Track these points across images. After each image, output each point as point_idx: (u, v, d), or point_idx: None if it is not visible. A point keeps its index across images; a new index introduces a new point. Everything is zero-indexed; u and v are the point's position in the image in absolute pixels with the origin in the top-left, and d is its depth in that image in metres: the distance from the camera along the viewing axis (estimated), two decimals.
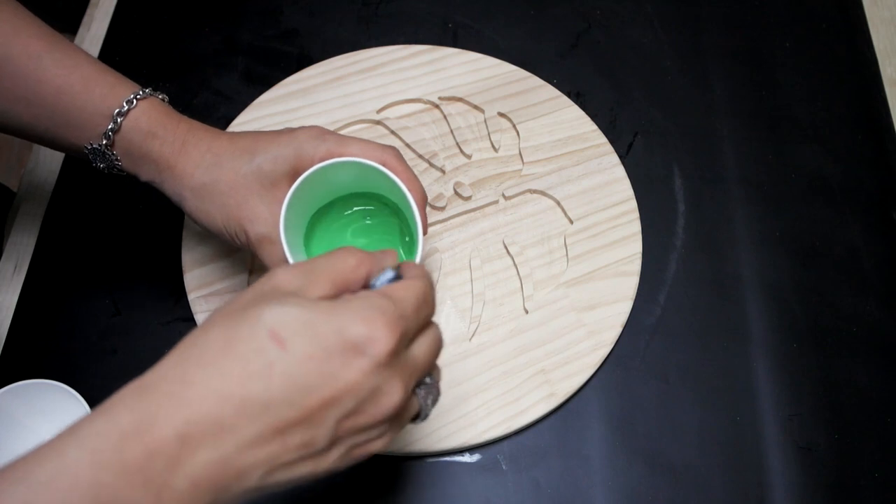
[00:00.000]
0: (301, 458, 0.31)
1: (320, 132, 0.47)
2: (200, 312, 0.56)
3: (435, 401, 0.37)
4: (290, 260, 0.44)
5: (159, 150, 0.47)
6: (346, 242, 0.51)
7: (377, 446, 0.34)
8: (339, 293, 0.34)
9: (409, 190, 0.46)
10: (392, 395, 0.32)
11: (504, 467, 0.52)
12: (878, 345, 0.58)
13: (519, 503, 0.51)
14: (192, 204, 0.47)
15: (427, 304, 0.35)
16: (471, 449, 0.53)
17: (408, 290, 0.34)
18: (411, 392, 0.35)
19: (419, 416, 0.37)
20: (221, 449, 0.29)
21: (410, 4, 0.71)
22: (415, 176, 0.47)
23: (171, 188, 0.47)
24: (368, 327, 0.31)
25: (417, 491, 0.52)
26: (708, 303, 0.59)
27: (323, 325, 0.31)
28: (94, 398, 0.48)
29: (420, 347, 0.35)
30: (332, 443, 0.32)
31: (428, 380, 0.36)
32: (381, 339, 0.31)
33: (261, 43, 0.69)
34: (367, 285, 0.35)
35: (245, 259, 0.58)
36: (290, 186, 0.45)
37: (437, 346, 0.36)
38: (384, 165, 0.46)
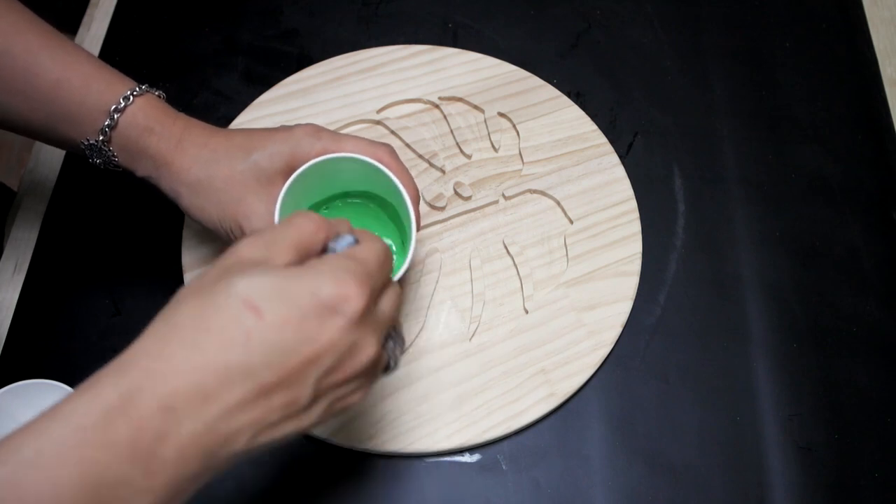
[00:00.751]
0: (285, 418, 0.32)
1: (316, 130, 0.48)
2: None
3: (402, 351, 0.39)
4: None
5: (156, 146, 0.47)
6: None
7: (356, 398, 0.36)
8: (302, 259, 0.35)
9: (403, 185, 0.46)
10: (367, 349, 0.34)
11: (504, 467, 0.52)
12: (878, 345, 0.58)
13: (519, 503, 0.51)
14: (188, 200, 0.47)
15: (387, 263, 0.37)
16: (471, 449, 0.53)
17: (370, 251, 0.36)
18: (383, 345, 0.36)
19: (389, 368, 0.38)
20: (206, 417, 0.30)
21: (410, 4, 0.71)
22: (409, 173, 0.48)
23: (167, 184, 0.48)
24: (340, 287, 0.32)
25: (417, 491, 0.52)
26: (708, 303, 0.59)
27: (296, 289, 0.32)
28: None
29: (386, 303, 0.36)
30: (315, 399, 0.33)
31: (393, 332, 0.38)
32: (354, 297, 0.33)
33: (261, 43, 0.69)
34: (325, 249, 0.36)
35: None
36: (284, 183, 0.46)
37: (399, 300, 0.38)
38: (379, 162, 0.46)
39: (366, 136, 0.62)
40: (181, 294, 0.33)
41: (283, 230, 0.35)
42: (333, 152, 0.47)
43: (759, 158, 0.65)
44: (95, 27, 0.70)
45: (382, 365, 0.37)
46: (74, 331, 0.57)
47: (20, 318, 0.57)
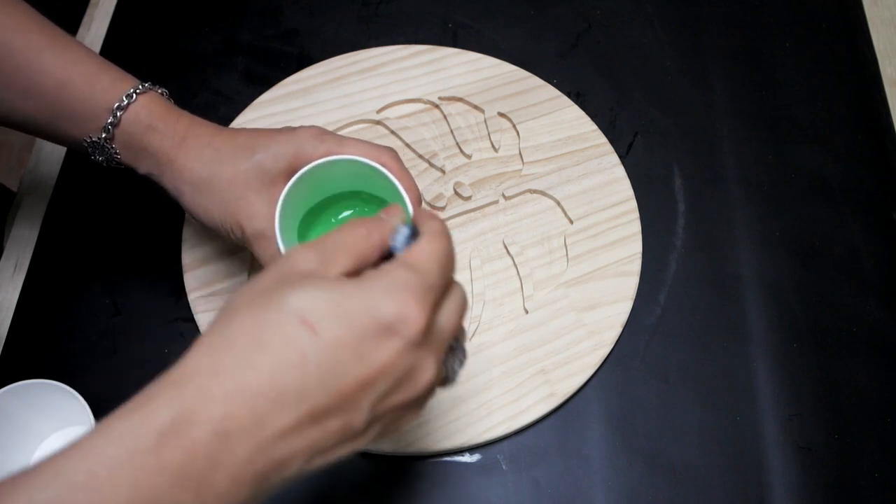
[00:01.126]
0: (339, 442, 0.31)
1: (319, 132, 0.48)
2: (201, 312, 0.56)
3: (462, 363, 0.36)
4: None
5: (159, 143, 0.47)
6: None
7: (411, 418, 0.34)
8: (358, 266, 0.33)
9: (405, 189, 0.46)
10: (426, 372, 0.32)
11: (504, 467, 0.52)
12: (878, 345, 0.58)
13: (519, 503, 0.51)
14: (190, 198, 0.47)
15: (450, 265, 0.34)
16: (471, 449, 0.53)
17: (431, 255, 0.33)
18: (443, 361, 0.34)
19: (446, 381, 0.36)
20: (260, 442, 0.29)
21: (410, 4, 0.71)
22: (411, 177, 0.48)
23: (169, 182, 0.48)
24: (399, 306, 0.31)
25: (417, 491, 0.52)
26: (708, 303, 0.59)
27: (353, 307, 0.30)
28: (94, 398, 0.48)
29: (447, 314, 0.34)
30: (369, 424, 0.32)
31: (454, 343, 0.36)
32: (413, 318, 0.31)
33: (261, 43, 0.69)
34: (385, 250, 0.35)
35: (245, 259, 0.58)
36: (286, 184, 0.46)
37: (463, 308, 0.35)
38: (382, 165, 0.46)
39: (366, 136, 0.63)
40: (233, 304, 0.32)
41: (336, 237, 0.34)
42: (336, 154, 0.47)
43: (759, 158, 0.65)
44: (95, 27, 0.70)
45: (440, 382, 0.35)
46: (74, 331, 0.57)
47: (20, 318, 0.57)
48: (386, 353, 0.31)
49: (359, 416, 0.31)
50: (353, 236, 0.34)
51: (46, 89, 0.46)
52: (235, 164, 0.46)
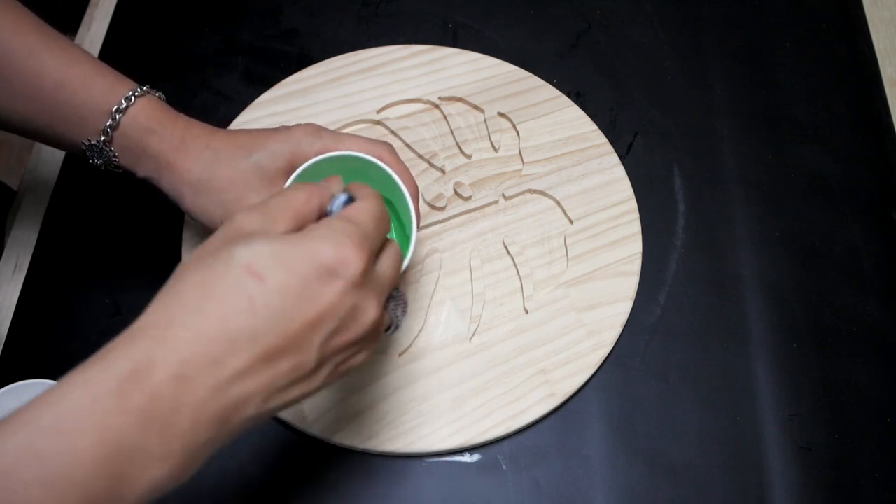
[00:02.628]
0: (293, 382, 0.33)
1: (316, 129, 0.48)
2: None
3: (404, 311, 0.39)
4: None
5: (158, 146, 0.47)
6: None
7: (359, 360, 0.37)
8: (299, 226, 0.36)
9: (403, 182, 0.46)
10: (369, 311, 0.35)
11: (504, 467, 0.52)
12: (878, 345, 0.58)
13: (519, 503, 0.51)
14: (190, 200, 0.47)
15: (384, 221, 0.37)
16: (471, 449, 0.53)
17: (366, 211, 0.36)
18: (384, 307, 0.37)
19: (391, 328, 0.39)
20: (217, 383, 0.31)
21: (410, 4, 0.71)
22: (408, 170, 0.49)
23: (168, 184, 0.48)
24: (338, 250, 0.33)
25: (417, 491, 0.52)
26: (708, 303, 0.59)
27: (295, 255, 0.33)
28: None
29: (385, 263, 0.37)
30: (320, 363, 0.34)
31: (395, 293, 0.38)
32: (353, 260, 0.33)
33: (261, 43, 0.69)
34: (322, 214, 0.37)
35: None
36: (285, 182, 0.46)
37: (399, 260, 0.39)
38: (379, 160, 0.47)
39: (366, 136, 0.63)
40: (184, 265, 0.33)
41: (278, 200, 0.36)
42: (334, 150, 0.47)
43: (759, 158, 0.65)
44: (95, 27, 0.70)
45: (384, 326, 0.38)
46: (74, 331, 0.57)
47: (20, 318, 0.57)
48: (329, 293, 0.33)
49: (309, 355, 0.33)
50: (294, 199, 0.36)
51: (44, 91, 0.46)
52: (234, 165, 0.47)
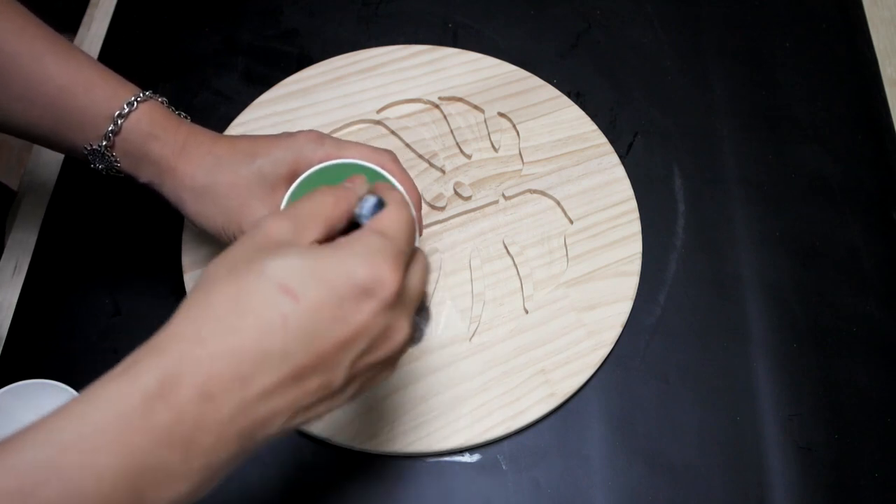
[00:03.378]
0: (320, 399, 0.33)
1: (318, 136, 0.48)
2: None
3: (427, 322, 0.39)
4: None
5: (160, 151, 0.47)
6: None
7: (385, 376, 0.36)
8: (329, 233, 0.35)
9: (406, 191, 0.46)
10: (401, 331, 0.34)
11: (504, 467, 0.52)
12: (878, 345, 0.58)
13: (519, 503, 0.51)
14: (192, 206, 0.47)
15: (413, 230, 0.37)
16: (471, 449, 0.53)
17: (398, 223, 0.36)
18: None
19: (414, 339, 0.38)
20: (244, 402, 0.30)
21: (410, 4, 0.71)
22: (411, 179, 0.49)
23: (170, 190, 0.48)
24: (374, 270, 0.33)
25: (417, 491, 0.52)
26: (708, 303, 0.59)
27: (330, 273, 0.32)
28: None
29: (415, 277, 0.36)
30: (348, 381, 0.33)
31: (419, 304, 0.38)
32: (388, 280, 0.33)
33: (261, 43, 0.69)
34: (351, 217, 0.37)
35: None
36: (287, 189, 0.46)
37: (427, 271, 0.38)
38: (382, 168, 0.47)
39: (366, 136, 0.63)
40: (213, 273, 0.33)
41: (306, 206, 0.35)
42: (336, 158, 0.47)
43: (759, 158, 0.65)
44: (95, 27, 0.70)
45: (412, 336, 0.37)
46: (74, 331, 0.57)
47: (20, 318, 0.57)
48: (364, 313, 0.32)
49: (338, 375, 0.33)
50: (323, 205, 0.36)
51: (47, 95, 0.46)
52: (236, 171, 0.47)
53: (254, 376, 0.30)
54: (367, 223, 0.36)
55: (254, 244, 0.33)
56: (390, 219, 0.36)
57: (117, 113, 0.46)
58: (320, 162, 0.46)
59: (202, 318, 0.31)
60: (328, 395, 0.33)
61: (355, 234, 0.35)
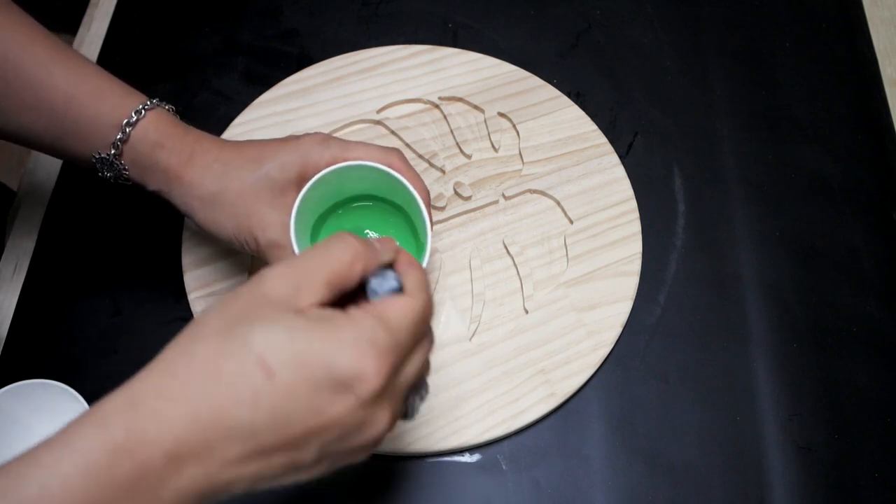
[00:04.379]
0: (285, 473, 0.32)
1: (324, 138, 0.48)
2: (201, 312, 0.56)
3: (423, 398, 0.37)
4: None
5: (167, 160, 0.47)
6: None
7: (361, 458, 0.35)
8: (335, 293, 0.34)
9: (415, 189, 0.46)
10: (377, 426, 0.33)
11: (504, 467, 0.52)
12: (878, 345, 0.58)
13: (519, 503, 0.51)
14: (202, 213, 0.47)
15: (424, 323, 0.35)
16: (471, 449, 0.53)
17: (406, 314, 0.33)
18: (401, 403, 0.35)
19: (406, 417, 0.37)
20: (208, 467, 0.30)
21: (410, 4, 0.71)
22: (419, 177, 0.49)
23: (179, 198, 0.48)
24: (358, 363, 0.31)
25: (417, 491, 0.52)
26: (708, 303, 0.59)
27: (312, 356, 0.31)
28: (94, 398, 0.48)
29: (412, 366, 0.34)
30: (317, 461, 0.33)
31: (417, 381, 0.36)
32: (370, 376, 0.31)
33: (261, 43, 0.69)
34: (363, 283, 0.34)
35: (244, 260, 0.58)
36: (297, 193, 0.46)
37: (427, 357, 0.36)
38: (389, 167, 0.47)
39: (366, 136, 0.63)
40: (202, 325, 0.32)
41: (317, 259, 0.33)
42: (343, 160, 0.47)
43: (759, 158, 0.65)
44: (95, 27, 0.70)
45: (396, 422, 0.35)
46: (74, 331, 0.57)
47: (20, 318, 0.57)
48: (337, 408, 0.31)
49: (306, 456, 0.32)
50: (337, 262, 0.34)
51: (55, 104, 0.46)
52: (244, 177, 0.46)
53: (220, 446, 0.30)
54: (374, 301, 0.34)
55: (251, 300, 0.32)
56: (399, 307, 0.33)
57: (125, 121, 0.46)
58: (327, 165, 0.46)
59: (177, 378, 0.31)
60: (294, 470, 0.32)
61: (353, 313, 0.33)
